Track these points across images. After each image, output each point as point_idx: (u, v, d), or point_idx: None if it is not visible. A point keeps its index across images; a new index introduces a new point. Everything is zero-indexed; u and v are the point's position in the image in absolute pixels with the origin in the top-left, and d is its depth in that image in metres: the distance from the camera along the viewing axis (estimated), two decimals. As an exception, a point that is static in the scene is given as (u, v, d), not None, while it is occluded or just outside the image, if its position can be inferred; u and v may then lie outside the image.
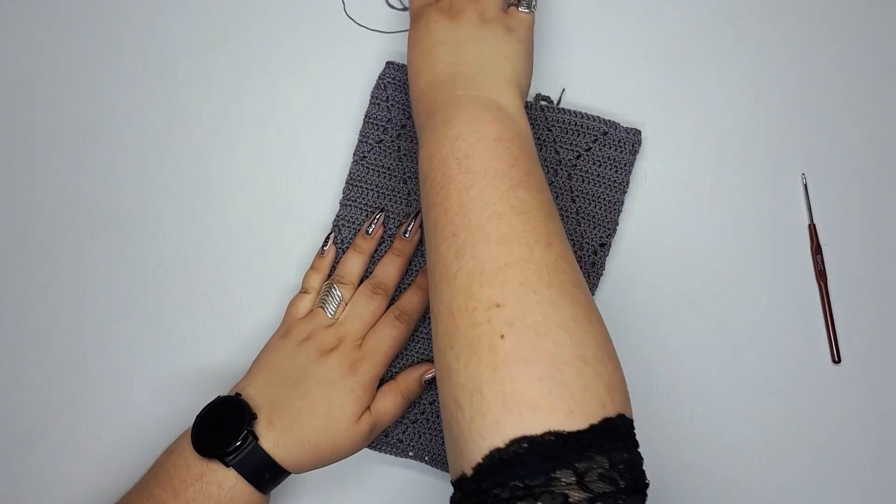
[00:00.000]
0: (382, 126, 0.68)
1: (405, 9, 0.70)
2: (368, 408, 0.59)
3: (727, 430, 0.65)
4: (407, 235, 0.64)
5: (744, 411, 0.66)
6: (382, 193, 0.67)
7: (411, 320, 0.62)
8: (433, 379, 0.63)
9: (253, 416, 0.56)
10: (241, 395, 0.58)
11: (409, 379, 0.63)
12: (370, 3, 0.72)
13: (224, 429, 0.55)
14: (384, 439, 0.64)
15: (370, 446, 0.65)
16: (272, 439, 0.56)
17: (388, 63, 0.68)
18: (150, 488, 0.56)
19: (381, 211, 0.66)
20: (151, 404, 0.67)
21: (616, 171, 0.66)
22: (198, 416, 0.57)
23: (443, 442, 0.64)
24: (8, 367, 0.68)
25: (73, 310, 0.68)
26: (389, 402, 0.61)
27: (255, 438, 0.55)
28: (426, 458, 0.64)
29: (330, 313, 0.62)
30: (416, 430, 0.64)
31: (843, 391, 0.66)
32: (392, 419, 0.61)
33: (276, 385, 0.58)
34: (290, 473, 0.57)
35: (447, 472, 0.64)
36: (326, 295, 0.63)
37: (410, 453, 0.65)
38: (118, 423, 0.67)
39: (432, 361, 0.64)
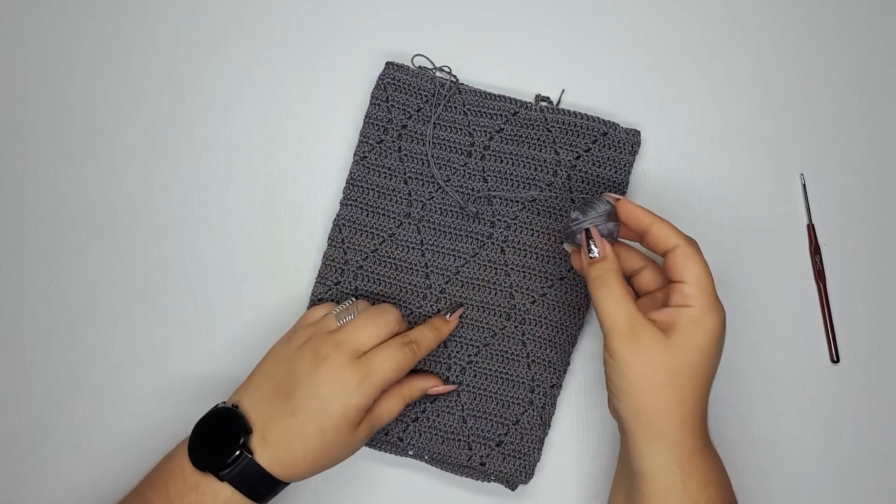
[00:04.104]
0: (383, 126, 0.68)
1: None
2: (364, 417, 0.58)
3: (726, 429, 0.65)
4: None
5: (743, 410, 0.66)
6: (383, 193, 0.67)
7: (419, 352, 0.60)
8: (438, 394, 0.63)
9: (248, 431, 0.55)
10: (237, 406, 0.57)
11: (415, 388, 0.62)
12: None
13: (219, 442, 0.55)
14: (384, 438, 0.65)
15: (369, 444, 0.65)
16: (267, 456, 0.55)
17: (387, 63, 0.68)
18: (146, 495, 0.56)
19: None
20: (151, 405, 0.67)
21: (615, 172, 0.66)
22: (195, 427, 0.56)
23: (442, 441, 0.64)
24: (8, 368, 0.68)
25: (73, 310, 0.68)
26: (392, 407, 0.60)
27: (250, 453, 0.54)
28: (426, 458, 0.65)
29: (340, 321, 0.59)
30: (416, 429, 0.65)
31: (841, 391, 0.66)
32: (389, 420, 0.60)
33: (270, 396, 0.56)
34: (287, 484, 0.56)
35: (447, 471, 0.64)
36: (346, 306, 0.61)
37: (410, 452, 0.65)
38: (118, 424, 0.67)
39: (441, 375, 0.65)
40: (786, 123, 0.69)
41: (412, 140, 0.67)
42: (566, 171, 0.66)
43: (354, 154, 0.68)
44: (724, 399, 0.66)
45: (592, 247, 0.57)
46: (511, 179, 0.66)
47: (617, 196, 0.58)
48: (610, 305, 0.54)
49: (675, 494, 0.53)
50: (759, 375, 0.66)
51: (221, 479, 0.54)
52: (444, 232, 0.66)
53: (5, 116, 0.71)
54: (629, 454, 0.54)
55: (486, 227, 0.66)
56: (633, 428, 0.54)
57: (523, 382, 0.64)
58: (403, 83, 0.68)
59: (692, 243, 0.55)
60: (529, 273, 0.66)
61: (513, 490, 0.64)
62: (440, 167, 0.67)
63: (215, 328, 0.68)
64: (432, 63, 0.68)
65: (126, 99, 0.71)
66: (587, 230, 0.57)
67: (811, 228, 0.68)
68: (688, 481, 0.53)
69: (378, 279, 0.66)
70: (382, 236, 0.67)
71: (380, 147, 0.68)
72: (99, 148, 0.71)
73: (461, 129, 0.67)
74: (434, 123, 0.67)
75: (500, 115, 0.67)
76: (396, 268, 0.66)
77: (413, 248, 0.66)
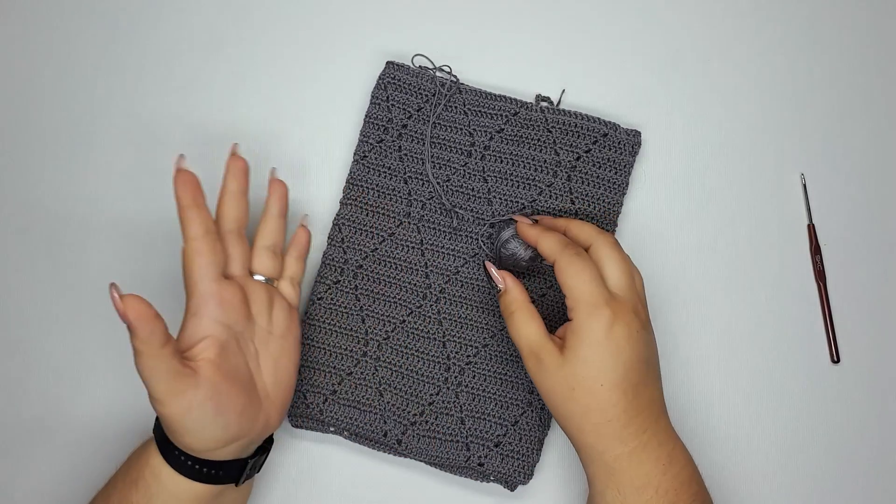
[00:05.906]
0: (383, 126, 0.68)
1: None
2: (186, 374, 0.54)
3: (726, 429, 0.66)
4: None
5: (743, 411, 0.66)
6: (383, 193, 0.67)
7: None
8: None
9: None
10: None
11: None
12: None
13: None
14: (382, 439, 0.64)
15: (366, 444, 0.64)
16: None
17: (388, 63, 0.68)
18: (116, 480, 0.57)
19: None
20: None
21: (616, 173, 0.66)
22: None
23: (440, 443, 0.64)
24: (8, 368, 0.68)
25: (73, 310, 0.68)
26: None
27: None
28: (424, 459, 0.64)
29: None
30: (415, 432, 0.64)
31: (842, 391, 0.66)
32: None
33: None
34: (239, 461, 0.56)
35: (446, 471, 0.64)
36: None
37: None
38: (118, 425, 0.67)
39: None
40: (786, 123, 0.69)
41: (412, 140, 0.67)
42: (566, 172, 0.66)
43: (354, 154, 0.68)
44: (724, 399, 0.66)
45: (496, 281, 0.60)
46: (511, 180, 0.66)
47: (517, 217, 0.62)
48: (515, 332, 0.57)
49: (611, 496, 0.54)
50: (759, 375, 0.66)
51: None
52: (444, 232, 0.66)
53: (5, 116, 0.71)
54: None
55: (486, 227, 0.66)
56: (568, 437, 0.57)
57: (522, 383, 0.64)
58: (404, 83, 0.68)
59: (569, 253, 0.56)
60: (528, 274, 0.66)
61: (512, 490, 0.64)
62: (440, 167, 0.67)
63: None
64: (432, 63, 0.68)
65: (126, 99, 0.71)
66: (485, 265, 0.61)
67: (811, 228, 0.68)
68: (621, 484, 0.54)
69: (378, 279, 0.66)
70: (382, 236, 0.67)
71: (380, 147, 0.68)
72: (99, 148, 0.70)
73: (461, 129, 0.67)
74: (434, 123, 0.67)
75: (501, 116, 0.67)
76: (396, 267, 0.66)
77: (413, 247, 0.66)
